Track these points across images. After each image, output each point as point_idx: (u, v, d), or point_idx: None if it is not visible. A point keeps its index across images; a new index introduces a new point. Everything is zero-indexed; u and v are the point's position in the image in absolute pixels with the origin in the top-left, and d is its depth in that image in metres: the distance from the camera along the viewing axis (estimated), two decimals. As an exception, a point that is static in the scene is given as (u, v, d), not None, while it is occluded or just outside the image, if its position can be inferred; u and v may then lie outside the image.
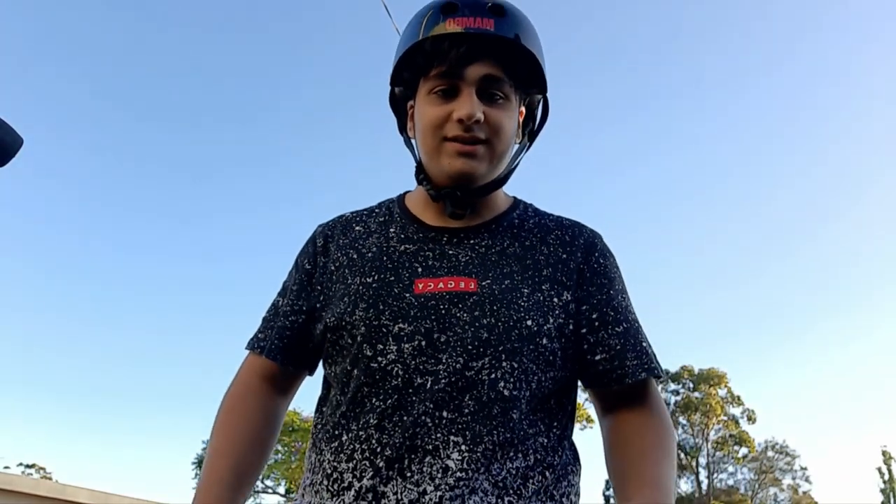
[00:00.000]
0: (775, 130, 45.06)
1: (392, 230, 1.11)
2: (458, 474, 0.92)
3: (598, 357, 1.04)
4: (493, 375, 0.96)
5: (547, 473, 0.97)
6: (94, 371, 42.51)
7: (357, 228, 1.14)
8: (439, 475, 0.92)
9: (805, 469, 36.23)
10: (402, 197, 1.18)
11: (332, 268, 1.11)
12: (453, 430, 0.94)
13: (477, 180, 1.05)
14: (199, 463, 26.70)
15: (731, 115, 44.57)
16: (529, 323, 0.99)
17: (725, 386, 34.67)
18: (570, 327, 1.04)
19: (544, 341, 1.00)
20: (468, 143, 1.02)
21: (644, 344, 1.07)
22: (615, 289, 1.09)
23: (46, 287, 42.17)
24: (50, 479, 25.93)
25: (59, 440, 39.68)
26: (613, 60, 46.23)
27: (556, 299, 1.03)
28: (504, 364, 0.97)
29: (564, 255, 1.08)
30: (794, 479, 36.15)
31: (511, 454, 0.95)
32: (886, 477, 30.88)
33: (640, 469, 0.97)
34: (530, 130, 1.15)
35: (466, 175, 1.03)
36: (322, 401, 1.09)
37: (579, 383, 1.11)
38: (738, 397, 34.76)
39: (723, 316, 47.43)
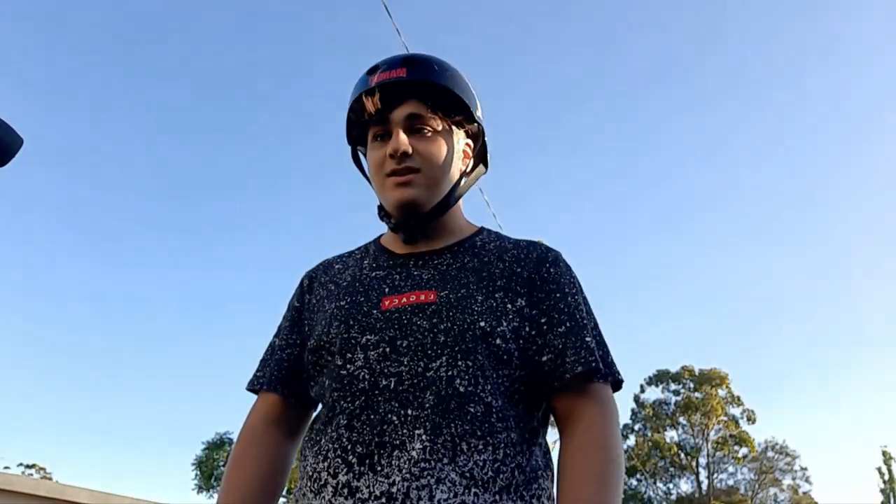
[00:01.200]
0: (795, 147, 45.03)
1: (366, 262, 1.24)
2: (422, 464, 0.97)
3: (544, 358, 1.09)
4: (450, 373, 1.03)
5: (516, 472, 1.01)
6: (94, 371, 42.62)
7: (337, 266, 1.28)
8: (406, 466, 0.97)
9: (805, 469, 36.17)
10: (379, 236, 1.31)
11: (314, 301, 1.23)
12: (417, 425, 1.00)
13: (420, 206, 1.17)
14: (199, 464, 26.71)
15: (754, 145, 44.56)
16: (482, 324, 1.06)
17: (726, 386, 34.63)
18: (526, 329, 1.10)
19: (498, 341, 1.06)
20: (402, 174, 1.14)
21: (587, 339, 1.09)
22: (563, 292, 1.15)
23: (48, 289, 42.28)
24: (50, 479, 25.98)
25: (59, 440, 39.80)
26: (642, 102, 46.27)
27: (509, 305, 1.10)
28: (460, 363, 1.04)
29: (518, 269, 1.16)
30: (794, 479, 36.13)
31: (479, 446, 0.99)
32: (886, 477, 30.82)
33: None
34: (483, 158, 1.29)
35: (406, 202, 1.15)
36: (314, 418, 1.16)
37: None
38: (739, 398, 34.74)
39: (725, 320, 47.53)
